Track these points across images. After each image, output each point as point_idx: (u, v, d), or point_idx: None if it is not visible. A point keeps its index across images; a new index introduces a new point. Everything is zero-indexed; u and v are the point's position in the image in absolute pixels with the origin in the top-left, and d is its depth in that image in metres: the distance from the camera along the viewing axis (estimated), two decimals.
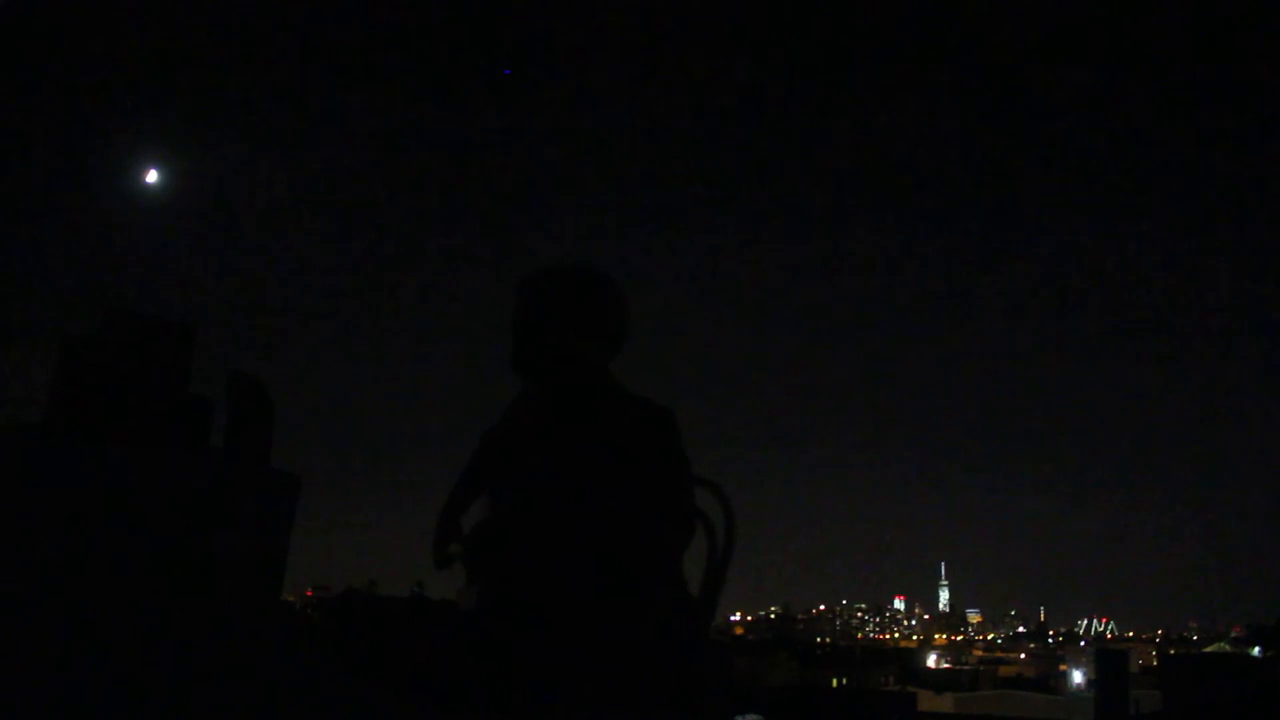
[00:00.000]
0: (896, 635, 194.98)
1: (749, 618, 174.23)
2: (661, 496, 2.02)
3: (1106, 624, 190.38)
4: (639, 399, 2.14)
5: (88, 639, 2.48)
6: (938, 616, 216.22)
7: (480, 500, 2.24)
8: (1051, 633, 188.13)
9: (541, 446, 2.11)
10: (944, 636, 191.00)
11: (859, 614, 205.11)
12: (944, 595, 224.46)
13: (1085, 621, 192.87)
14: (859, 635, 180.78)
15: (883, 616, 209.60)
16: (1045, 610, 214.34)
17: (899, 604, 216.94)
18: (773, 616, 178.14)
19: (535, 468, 2.10)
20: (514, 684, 1.91)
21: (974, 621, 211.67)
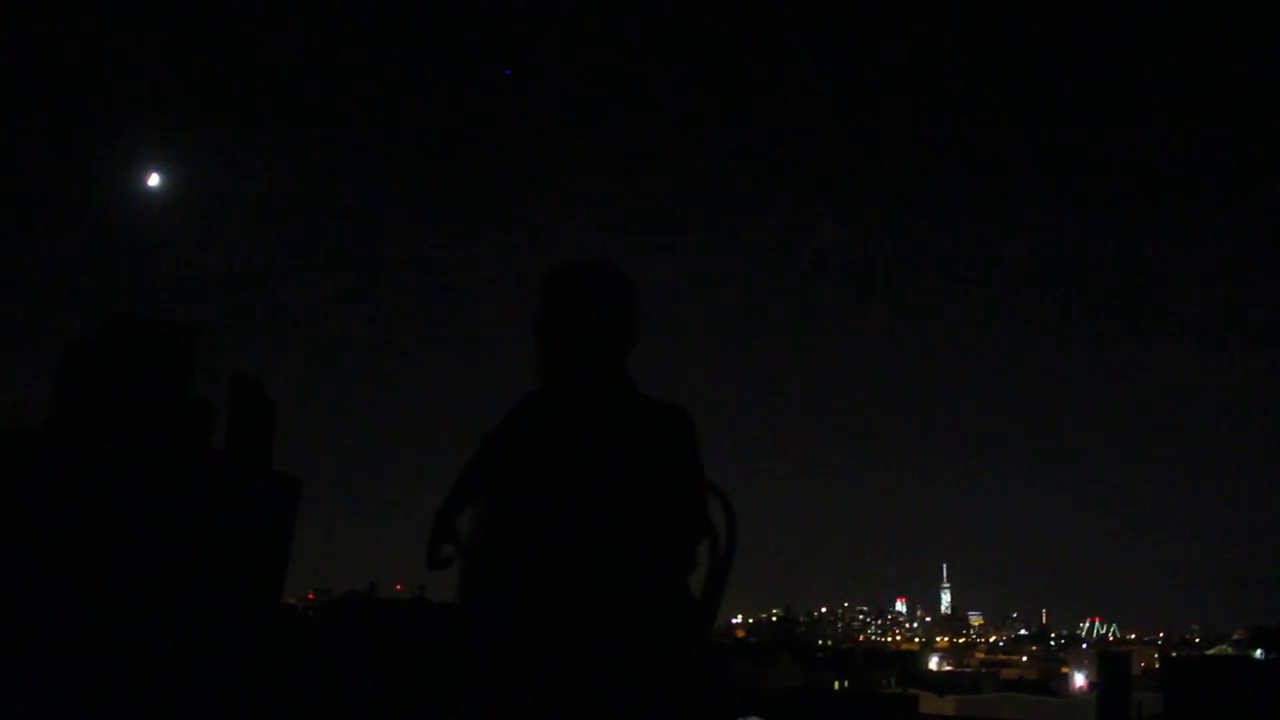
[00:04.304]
0: (898, 638, 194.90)
1: (750, 620, 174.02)
2: (679, 501, 2.02)
3: (1109, 626, 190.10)
4: (655, 400, 2.13)
5: (89, 639, 2.48)
6: (939, 619, 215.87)
7: (478, 502, 2.22)
8: (1053, 635, 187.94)
9: (555, 446, 2.11)
10: (946, 639, 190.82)
11: (860, 616, 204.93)
12: (946, 597, 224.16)
13: (1087, 624, 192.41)
14: (860, 638, 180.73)
15: (884, 619, 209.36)
16: (1047, 612, 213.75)
17: (901, 606, 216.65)
18: (774, 619, 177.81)
19: (547, 467, 2.09)
20: (515, 686, 1.91)
21: (976, 624, 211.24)
